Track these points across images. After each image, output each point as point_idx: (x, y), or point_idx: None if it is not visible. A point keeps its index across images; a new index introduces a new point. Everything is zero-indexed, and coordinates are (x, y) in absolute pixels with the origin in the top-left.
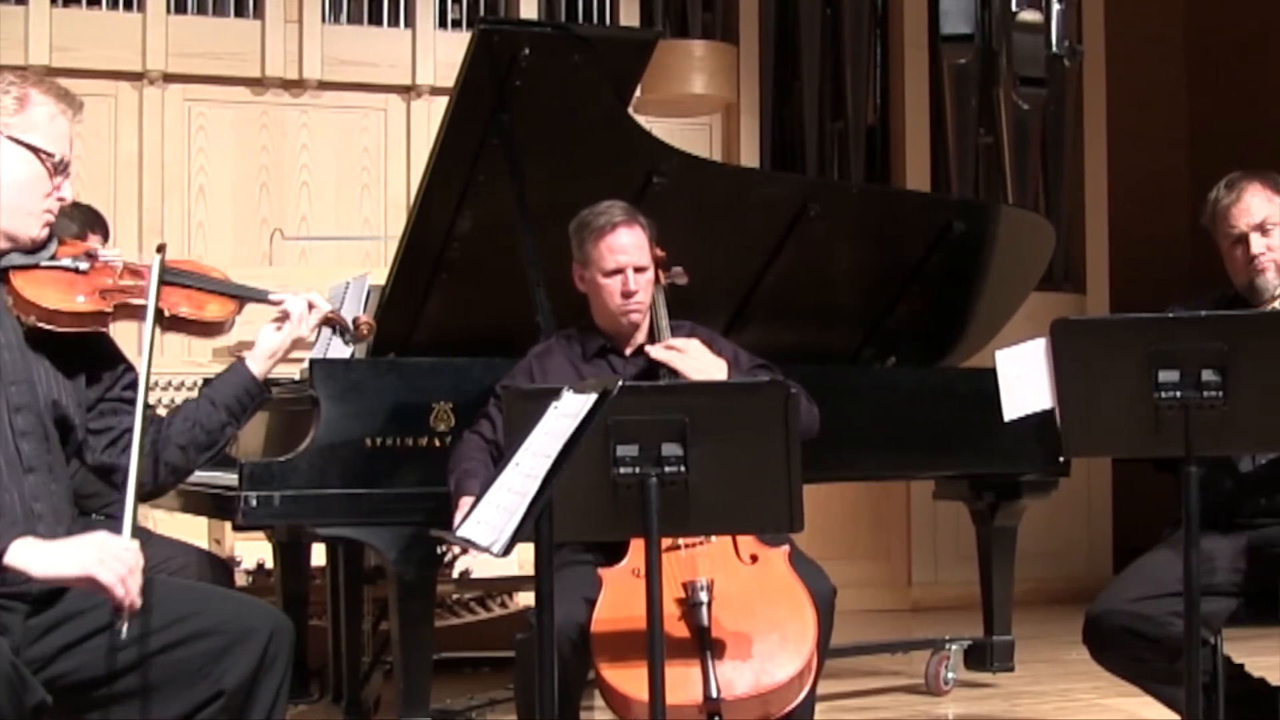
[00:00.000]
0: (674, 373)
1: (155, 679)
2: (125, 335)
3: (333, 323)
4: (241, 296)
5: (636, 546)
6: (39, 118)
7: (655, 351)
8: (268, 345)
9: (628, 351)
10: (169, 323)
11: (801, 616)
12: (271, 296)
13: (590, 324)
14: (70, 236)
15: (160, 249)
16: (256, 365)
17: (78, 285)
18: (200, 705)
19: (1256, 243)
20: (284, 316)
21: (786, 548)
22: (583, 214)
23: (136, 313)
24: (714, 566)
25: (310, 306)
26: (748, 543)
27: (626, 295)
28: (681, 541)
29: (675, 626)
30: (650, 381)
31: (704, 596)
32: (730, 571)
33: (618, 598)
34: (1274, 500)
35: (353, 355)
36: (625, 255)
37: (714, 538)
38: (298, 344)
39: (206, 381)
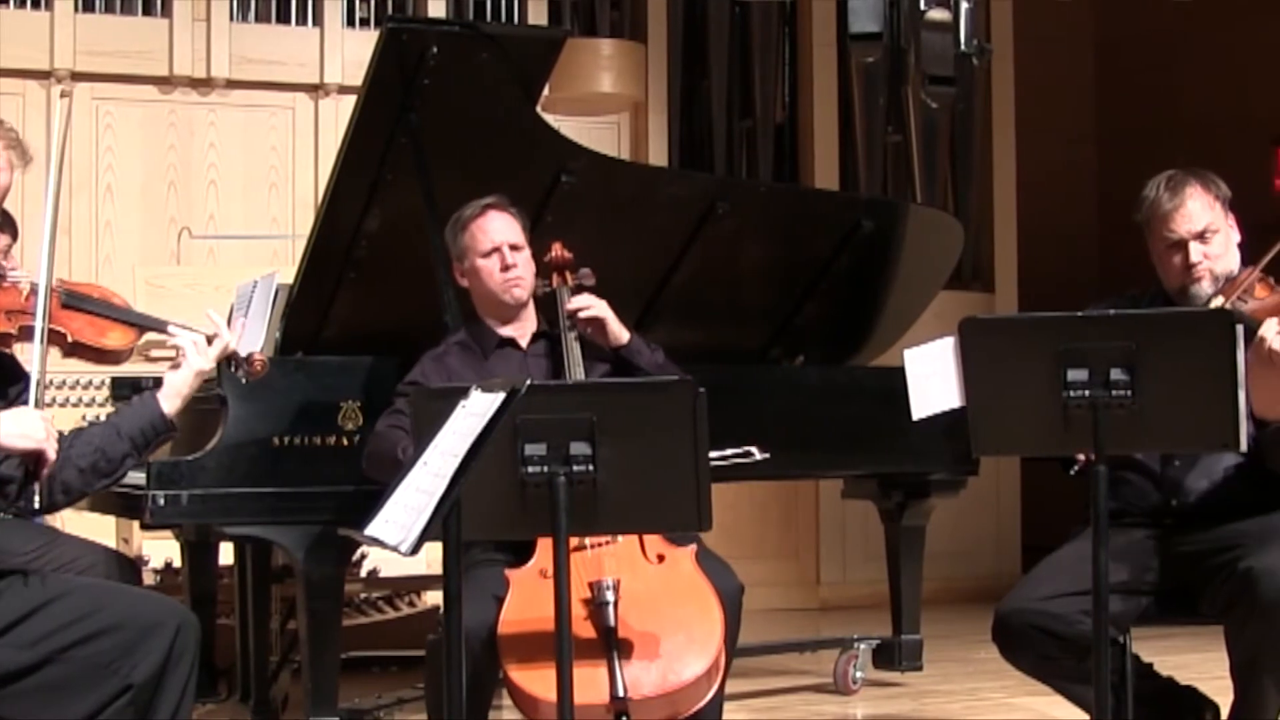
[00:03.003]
0: (585, 343)
1: (64, 675)
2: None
3: (228, 359)
4: (142, 325)
5: (544, 546)
6: None
7: (575, 301)
8: (173, 384)
9: (524, 343)
10: (70, 348)
11: (708, 616)
12: (169, 328)
13: (479, 323)
14: None
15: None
16: (168, 403)
17: None
18: (109, 700)
19: (1195, 251)
20: (181, 354)
21: (694, 546)
22: (453, 216)
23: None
24: (620, 566)
25: (209, 341)
26: (654, 542)
27: (506, 269)
28: (588, 541)
29: (581, 626)
30: (554, 377)
31: (610, 596)
32: (637, 571)
33: (525, 598)
34: (1184, 501)
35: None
36: (499, 233)
37: (620, 537)
38: (202, 376)
39: (115, 382)
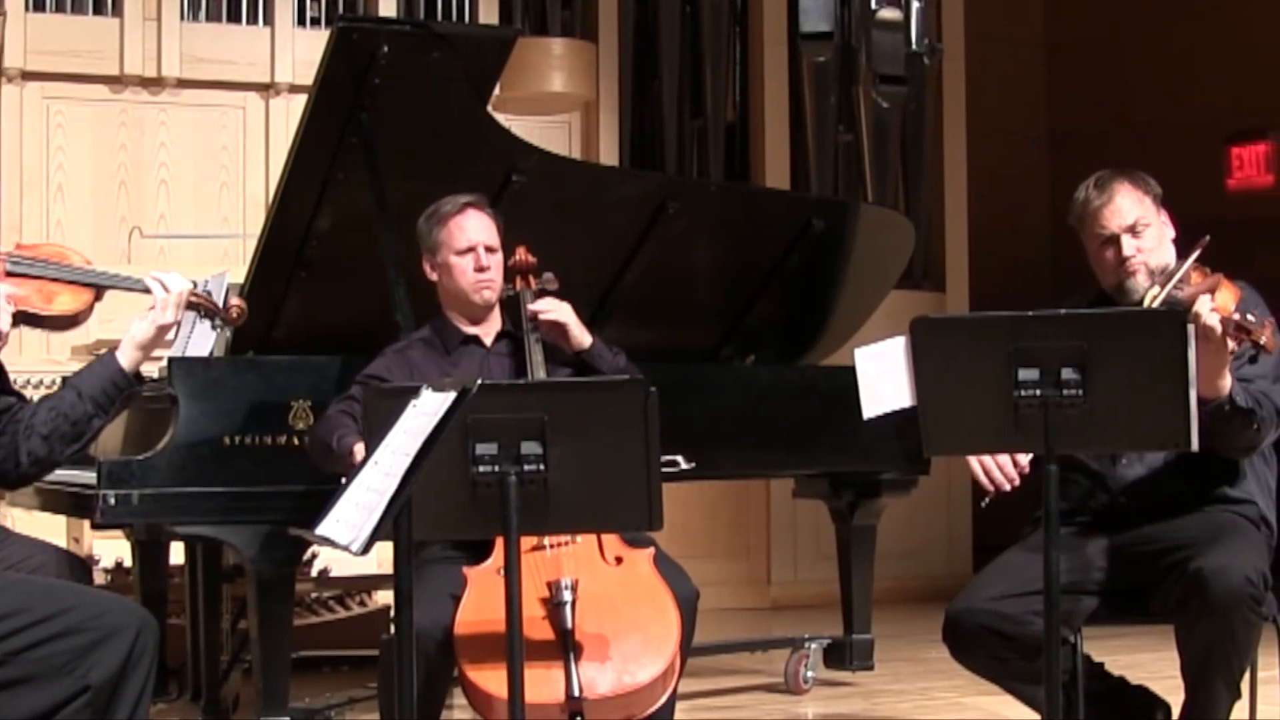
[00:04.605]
0: (547, 347)
1: (20, 674)
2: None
3: (202, 306)
4: (100, 285)
5: (502, 545)
6: None
7: (538, 304)
8: (134, 334)
9: (488, 341)
10: (16, 318)
11: (665, 618)
12: (146, 281)
13: (443, 318)
14: None
15: None
16: (125, 356)
17: None
18: (65, 700)
19: (1128, 245)
20: (152, 304)
21: (652, 550)
22: (429, 207)
23: None
24: (579, 567)
25: (175, 291)
26: (613, 544)
27: (479, 270)
28: (547, 541)
29: (539, 626)
30: (516, 377)
31: (568, 596)
32: (595, 572)
33: (482, 597)
34: (1134, 502)
35: (212, 352)
36: (476, 233)
37: (579, 538)
38: (165, 331)
39: (65, 381)
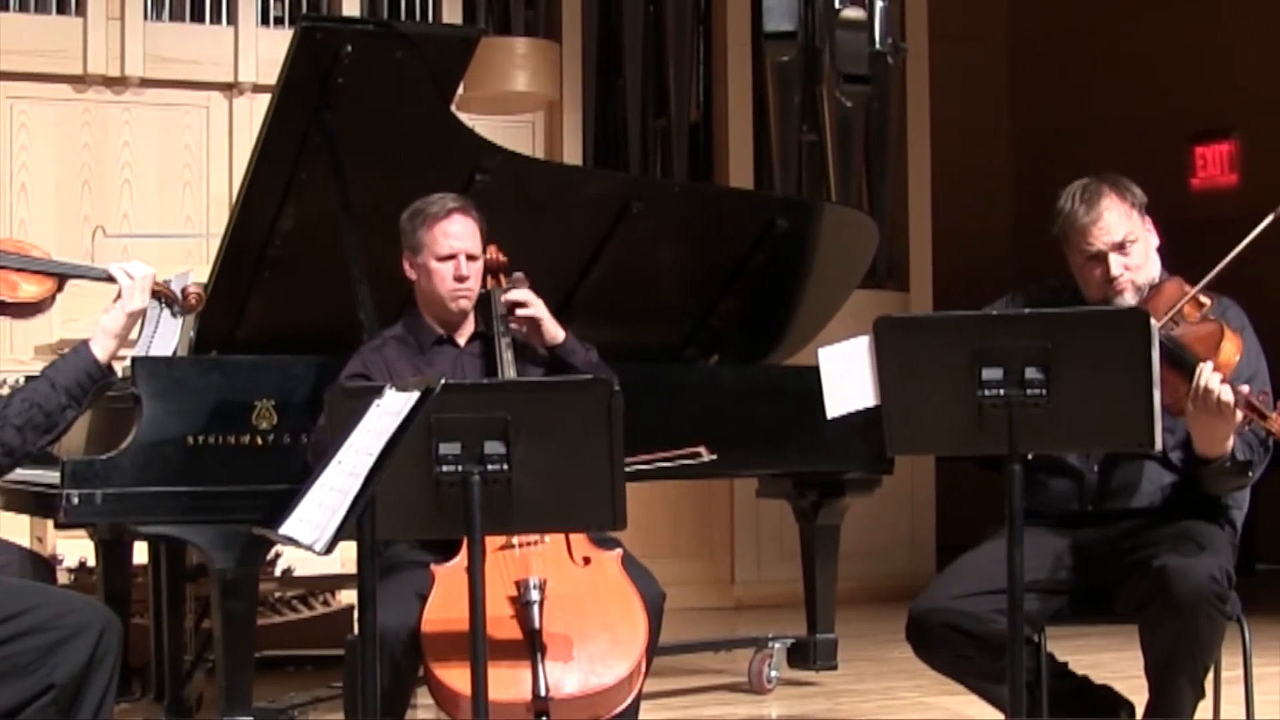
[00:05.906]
0: (518, 347)
1: None
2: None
3: (161, 294)
4: (62, 274)
5: None
6: None
7: (514, 294)
8: (104, 324)
9: (462, 341)
10: None
11: (633, 620)
12: (110, 270)
13: (417, 317)
14: None
15: None
16: (98, 346)
17: None
18: (29, 699)
19: (1115, 264)
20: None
21: (619, 551)
22: (416, 203)
23: None
24: (547, 567)
25: (139, 277)
26: (581, 544)
27: (459, 279)
28: (515, 540)
29: (506, 625)
30: (489, 375)
31: (536, 596)
32: (563, 573)
33: (449, 595)
34: (1101, 501)
35: (178, 346)
36: (459, 240)
37: (548, 538)
38: (134, 317)
39: (30, 380)
